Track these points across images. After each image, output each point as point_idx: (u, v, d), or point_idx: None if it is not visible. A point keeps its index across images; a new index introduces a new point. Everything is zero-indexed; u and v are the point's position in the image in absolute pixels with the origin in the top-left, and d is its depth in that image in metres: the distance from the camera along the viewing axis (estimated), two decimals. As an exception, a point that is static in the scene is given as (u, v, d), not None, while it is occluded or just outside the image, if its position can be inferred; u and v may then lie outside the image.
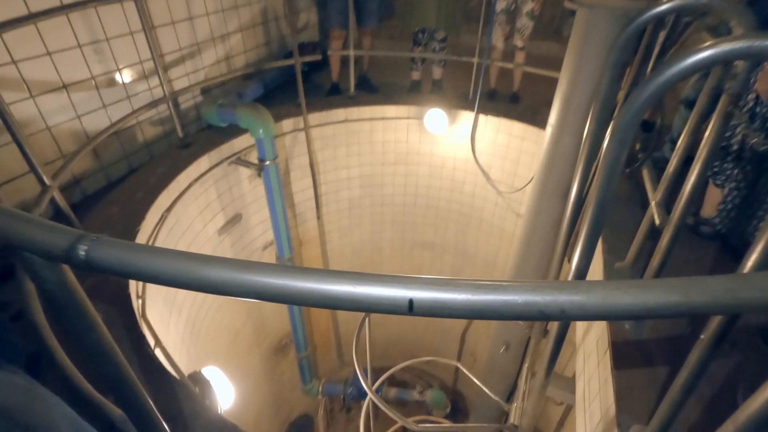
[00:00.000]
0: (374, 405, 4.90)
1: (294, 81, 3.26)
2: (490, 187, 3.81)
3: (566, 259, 2.72)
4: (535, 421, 1.58)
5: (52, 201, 1.91)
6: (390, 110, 3.78)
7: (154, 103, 2.72)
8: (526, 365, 1.97)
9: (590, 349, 1.85)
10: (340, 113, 3.70)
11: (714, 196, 2.02)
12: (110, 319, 1.68)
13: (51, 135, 2.32)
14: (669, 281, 0.45)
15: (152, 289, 2.23)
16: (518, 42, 3.58)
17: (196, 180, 2.79)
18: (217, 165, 2.97)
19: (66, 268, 0.56)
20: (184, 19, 2.96)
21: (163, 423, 0.90)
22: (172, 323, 2.50)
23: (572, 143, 2.47)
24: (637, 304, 0.44)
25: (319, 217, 4.07)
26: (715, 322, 0.96)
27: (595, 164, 2.04)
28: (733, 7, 1.12)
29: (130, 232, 2.14)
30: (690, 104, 2.37)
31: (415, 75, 4.04)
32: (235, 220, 3.34)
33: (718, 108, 1.29)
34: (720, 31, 1.92)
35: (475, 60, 3.50)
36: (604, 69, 1.32)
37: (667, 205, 1.64)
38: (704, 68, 0.72)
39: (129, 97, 2.72)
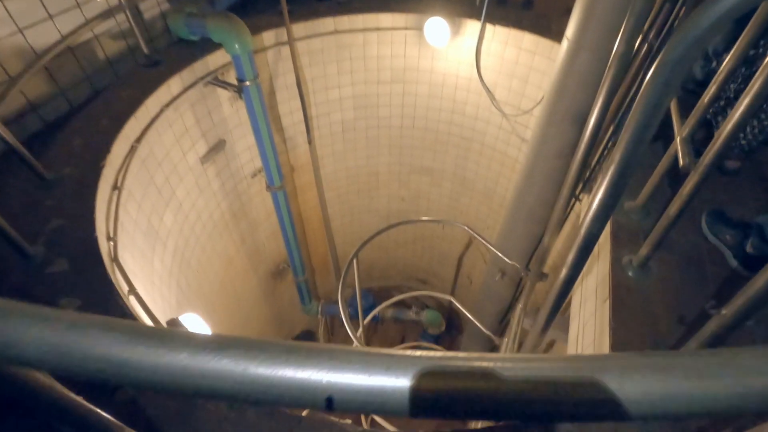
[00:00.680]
0: (374, 323, 5.06)
1: (273, -17, 2.81)
2: (494, 109, 3.50)
3: (576, 194, 2.56)
4: None
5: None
6: (385, 19, 3.32)
7: (109, 12, 2.35)
8: (519, 305, 1.91)
9: (589, 293, 1.76)
10: (328, 23, 3.26)
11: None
12: (77, 268, 1.56)
13: (-11, 54, 2.02)
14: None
15: (128, 226, 2.11)
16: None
17: (168, 104, 2.52)
18: (191, 87, 2.67)
19: None
20: None
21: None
22: (157, 258, 2.42)
23: (591, 62, 2.15)
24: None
25: (310, 142, 3.82)
26: (741, 299, 0.82)
27: (620, 92, 1.77)
28: None
29: (95, 169, 1.95)
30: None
31: (415, -25, 3.50)
32: (218, 147, 3.11)
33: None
34: None
35: (485, -45, 2.98)
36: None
37: (697, 142, 1.42)
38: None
39: (79, 5, 2.34)
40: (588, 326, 1.61)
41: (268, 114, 3.12)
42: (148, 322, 1.53)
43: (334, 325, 6.40)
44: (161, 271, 2.45)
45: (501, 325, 4.11)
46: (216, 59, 2.81)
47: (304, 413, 1.30)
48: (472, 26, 3.21)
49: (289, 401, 0.30)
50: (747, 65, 1.74)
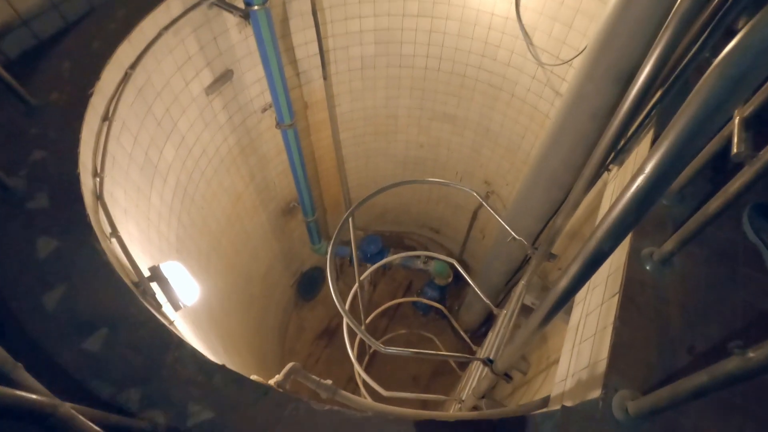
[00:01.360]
0: (382, 268, 5.06)
1: None
2: (530, 56, 3.13)
3: (606, 164, 2.30)
4: (514, 362, 1.45)
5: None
6: (417, -61, 2.90)
7: None
8: (522, 282, 1.78)
9: (599, 279, 1.61)
10: (352, -60, 2.87)
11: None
12: (58, 205, 1.49)
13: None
14: None
15: (122, 160, 2.02)
16: None
17: (168, 27, 2.30)
18: (193, 8, 2.42)
19: None
20: None
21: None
22: (155, 193, 2.36)
23: (650, 8, 1.82)
24: None
25: (325, 77, 3.56)
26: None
27: (679, 51, 1.48)
28: None
29: (83, 96, 1.82)
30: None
31: None
32: (225, 77, 2.92)
33: None
34: None
35: None
36: None
37: (754, 124, 1.17)
38: None
39: None
40: (592, 317, 1.49)
41: (279, 44, 2.87)
42: (127, 266, 1.48)
43: (344, 263, 6.49)
44: (160, 207, 2.39)
45: (508, 286, 4.04)
46: (222, -23, 2.53)
47: (272, 382, 1.26)
48: (516, -46, 2.77)
49: None
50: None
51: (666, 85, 1.70)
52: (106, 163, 1.79)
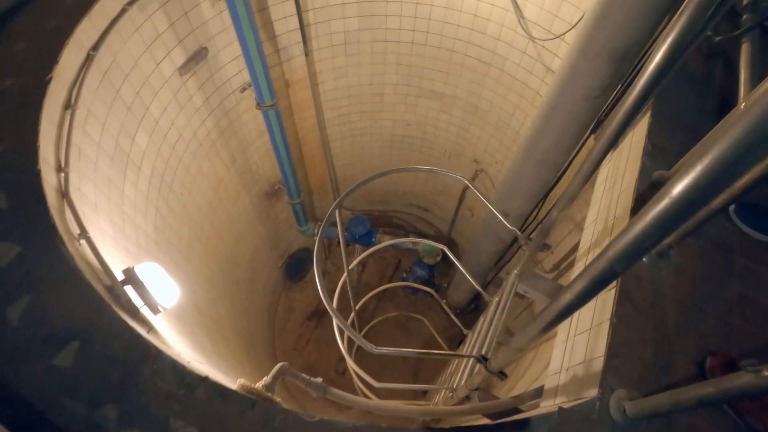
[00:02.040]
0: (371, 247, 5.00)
1: None
2: (521, 30, 3.00)
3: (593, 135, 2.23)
4: (507, 363, 1.42)
5: None
6: None
7: None
8: (515, 271, 1.74)
9: (592, 269, 1.57)
10: None
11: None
12: (17, 205, 1.38)
13: None
14: None
15: (89, 151, 1.88)
16: None
17: (132, 2, 2.12)
18: (159, -20, 2.23)
19: None
20: None
21: None
22: (129, 184, 2.23)
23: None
24: None
25: (307, 54, 3.39)
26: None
27: (682, 28, 1.39)
28: None
29: (40, 83, 1.67)
30: None
31: None
32: (199, 56, 2.73)
33: None
34: None
35: None
36: None
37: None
38: None
39: None
40: (587, 309, 1.45)
41: (256, 19, 2.69)
42: (99, 270, 1.38)
43: (332, 243, 6.43)
44: (134, 198, 2.27)
45: (497, 266, 4.04)
46: (190, -55, 2.33)
47: (259, 385, 1.20)
48: None
49: None
50: None
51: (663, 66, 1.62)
52: (71, 156, 1.67)
